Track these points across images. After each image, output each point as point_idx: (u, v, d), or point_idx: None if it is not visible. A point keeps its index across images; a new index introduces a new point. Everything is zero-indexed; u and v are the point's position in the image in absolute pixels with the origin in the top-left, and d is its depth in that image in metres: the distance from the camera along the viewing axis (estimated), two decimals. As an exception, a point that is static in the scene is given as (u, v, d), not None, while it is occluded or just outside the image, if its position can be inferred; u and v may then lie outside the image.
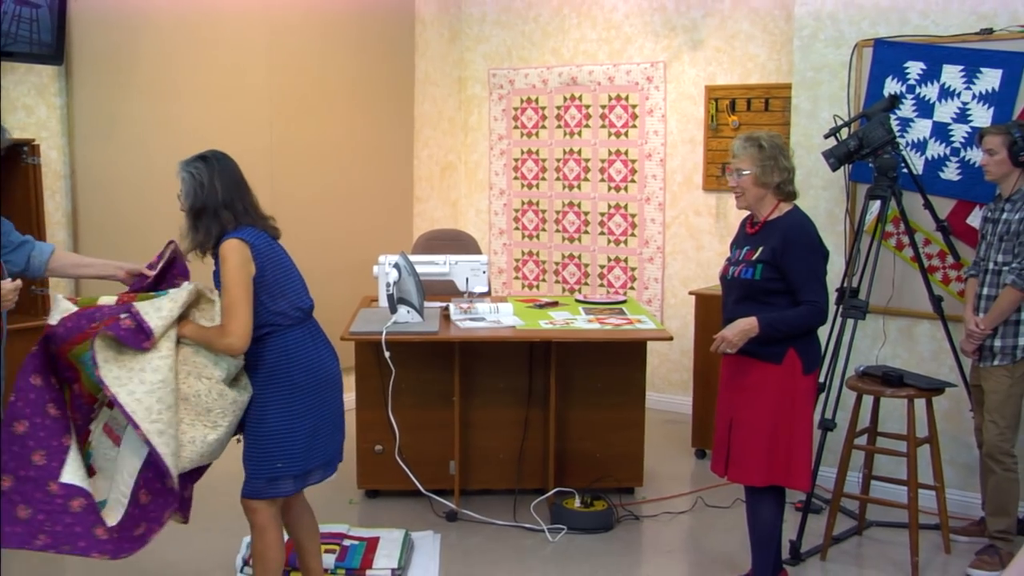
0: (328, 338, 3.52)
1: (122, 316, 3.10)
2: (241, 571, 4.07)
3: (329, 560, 4.08)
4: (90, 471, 3.15)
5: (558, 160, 7.00)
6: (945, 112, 4.68)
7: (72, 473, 3.07)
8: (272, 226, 3.43)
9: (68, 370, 3.15)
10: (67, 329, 3.09)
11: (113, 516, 3.09)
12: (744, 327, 3.61)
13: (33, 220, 4.50)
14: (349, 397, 5.49)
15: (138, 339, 3.06)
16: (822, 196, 5.08)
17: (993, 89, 4.53)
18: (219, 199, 3.27)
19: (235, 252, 3.21)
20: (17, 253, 3.49)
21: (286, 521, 3.55)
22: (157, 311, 3.13)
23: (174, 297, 3.20)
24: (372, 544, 4.25)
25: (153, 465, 3.10)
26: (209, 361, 3.20)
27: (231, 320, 3.17)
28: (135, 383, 3.04)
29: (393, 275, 4.67)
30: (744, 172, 3.68)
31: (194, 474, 3.35)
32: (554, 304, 5.35)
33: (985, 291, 4.19)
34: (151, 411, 3.03)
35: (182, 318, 3.22)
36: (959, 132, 4.64)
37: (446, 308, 5.02)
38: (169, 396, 3.08)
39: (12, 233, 3.48)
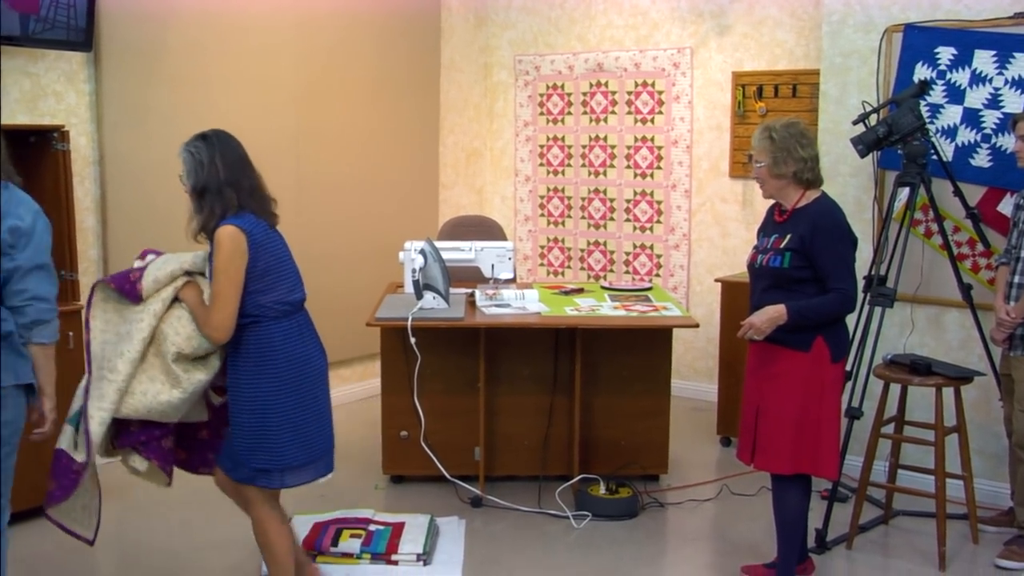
0: (317, 332, 3.45)
1: (136, 265, 3.31)
2: (268, 555, 4.11)
3: (355, 545, 4.11)
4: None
5: (584, 147, 6.98)
6: (976, 98, 4.62)
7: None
8: (272, 212, 3.36)
9: None
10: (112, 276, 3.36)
11: (81, 453, 3.21)
12: (773, 314, 3.59)
13: (63, 206, 4.54)
14: (375, 383, 5.53)
15: (133, 292, 3.21)
16: (850, 183, 5.04)
17: (1025, 75, 4.48)
18: (221, 178, 3.21)
19: (230, 240, 3.15)
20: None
21: None
22: (157, 269, 3.26)
23: (181, 257, 3.30)
24: (397, 529, 4.28)
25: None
26: (191, 331, 3.23)
27: (215, 312, 3.16)
28: (110, 334, 3.21)
29: (419, 261, 4.68)
30: (759, 163, 3.69)
31: (160, 427, 3.36)
32: (579, 291, 5.35)
33: (1016, 279, 4.14)
34: (104, 359, 3.18)
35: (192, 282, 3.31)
36: (990, 118, 4.59)
37: (472, 294, 5.03)
38: (131, 349, 3.18)
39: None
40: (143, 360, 3.21)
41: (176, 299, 3.25)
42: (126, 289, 3.21)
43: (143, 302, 3.21)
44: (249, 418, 3.24)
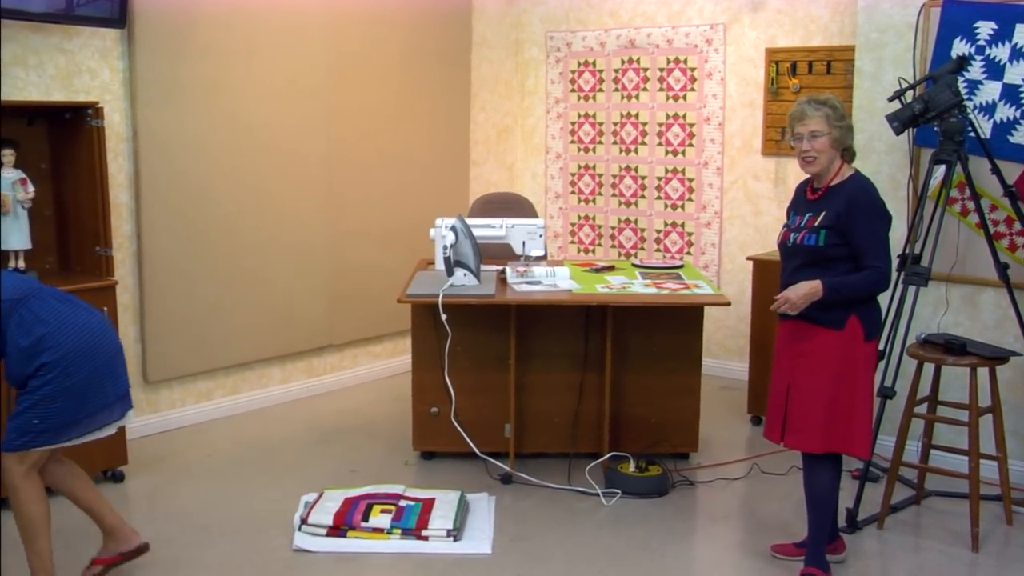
0: (68, 300, 3.51)
1: None
2: (299, 529, 4.15)
3: (385, 520, 4.14)
4: None
5: (615, 124, 6.94)
6: (1016, 74, 4.54)
7: None
8: None
9: None
10: None
11: None
12: (808, 289, 3.56)
13: (97, 182, 4.58)
14: (405, 360, 5.55)
15: None
16: (885, 161, 4.99)
17: (1067, 50, 4.40)
18: None
19: None
20: None
21: (57, 480, 3.63)
22: None
23: None
24: (428, 505, 4.30)
25: None
26: None
27: None
28: None
29: (450, 238, 4.68)
30: (820, 134, 3.60)
31: None
32: (611, 268, 5.33)
33: (1054, 258, 4.09)
34: None
35: None
36: (1030, 95, 4.52)
37: (502, 271, 5.03)
38: None
39: None
40: None
41: None
42: None
43: None
44: (31, 396, 3.38)
